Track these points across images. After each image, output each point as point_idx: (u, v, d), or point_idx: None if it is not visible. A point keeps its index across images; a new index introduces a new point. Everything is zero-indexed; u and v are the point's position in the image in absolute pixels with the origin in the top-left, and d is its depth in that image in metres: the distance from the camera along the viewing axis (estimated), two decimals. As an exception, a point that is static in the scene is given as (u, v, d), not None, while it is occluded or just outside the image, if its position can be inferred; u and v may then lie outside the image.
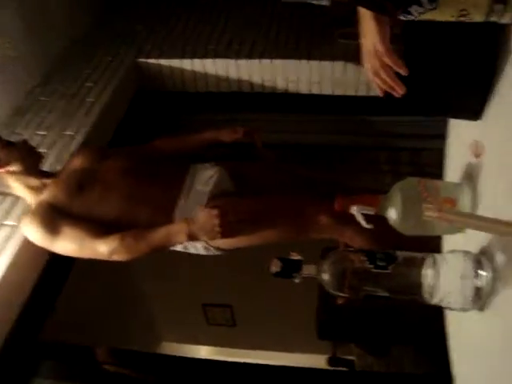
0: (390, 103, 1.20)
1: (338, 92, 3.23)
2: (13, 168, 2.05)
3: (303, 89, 3.27)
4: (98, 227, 1.92)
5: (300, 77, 3.22)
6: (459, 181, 1.20)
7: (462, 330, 1.19)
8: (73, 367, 2.38)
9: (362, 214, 1.16)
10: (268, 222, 1.97)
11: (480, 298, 0.98)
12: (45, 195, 2.01)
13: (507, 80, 1.02)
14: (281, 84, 3.27)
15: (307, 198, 2.05)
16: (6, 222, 2.33)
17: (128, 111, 3.24)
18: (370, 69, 1.07)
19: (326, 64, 3.13)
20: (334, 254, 1.07)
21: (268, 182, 2.15)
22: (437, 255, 1.07)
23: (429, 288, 1.03)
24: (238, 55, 3.25)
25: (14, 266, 2.17)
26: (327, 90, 3.24)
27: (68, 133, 2.83)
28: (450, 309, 1.05)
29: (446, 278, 1.01)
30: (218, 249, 2.03)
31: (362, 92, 3.20)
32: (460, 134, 1.33)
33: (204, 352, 4.93)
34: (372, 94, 3.17)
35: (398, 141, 3.21)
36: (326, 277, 1.06)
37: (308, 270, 1.06)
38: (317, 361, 4.09)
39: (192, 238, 1.87)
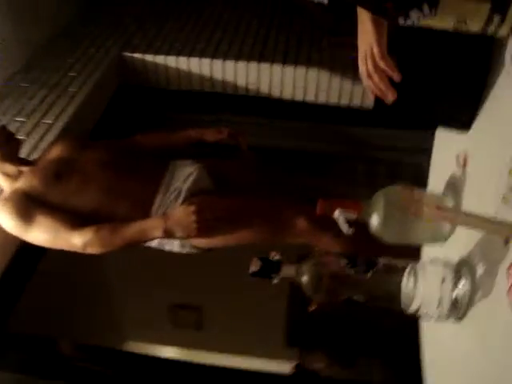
0: (377, 114, 1.19)
1: (322, 99, 3.24)
2: None
3: (287, 94, 3.27)
4: (74, 218, 1.88)
5: (284, 82, 3.22)
6: (443, 192, 1.20)
7: (437, 342, 1.19)
8: (36, 360, 2.33)
9: (344, 219, 1.15)
10: (245, 223, 1.96)
11: (457, 309, 0.99)
12: (21, 183, 1.97)
13: (496, 92, 1.03)
14: (264, 88, 3.27)
15: (285, 201, 2.05)
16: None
17: (110, 104, 3.20)
18: (364, 71, 1.07)
19: (312, 71, 3.14)
20: (314, 256, 1.06)
21: (247, 182, 2.15)
22: (416, 264, 1.07)
23: (407, 296, 1.03)
24: (225, 56, 3.24)
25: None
26: (311, 97, 3.25)
27: (47, 121, 2.79)
28: (427, 319, 1.05)
29: (424, 288, 1.01)
30: (193, 247, 2.01)
31: (344, 101, 3.22)
32: (446, 145, 1.34)
33: (170, 353, 4.87)
34: (355, 103, 3.20)
35: (377, 152, 3.23)
36: (304, 279, 1.05)
37: (287, 271, 1.05)
38: (283, 367, 4.08)
39: (168, 234, 1.85)
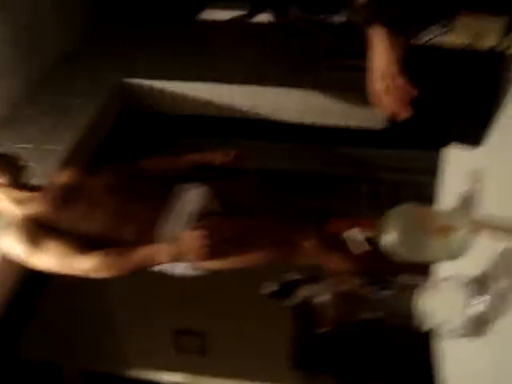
0: (382, 134, 1.21)
1: (323, 121, 3.26)
2: None
3: (289, 117, 3.29)
4: (82, 243, 1.88)
5: (286, 105, 3.24)
6: (455, 208, 1.21)
7: (454, 360, 1.18)
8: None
9: (357, 238, 1.15)
10: (253, 244, 1.95)
11: (473, 326, 0.98)
12: (28, 209, 1.98)
13: (508, 109, 1.03)
14: (266, 111, 3.28)
15: (293, 222, 2.05)
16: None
17: (113, 130, 3.22)
18: (379, 90, 1.07)
19: (313, 93, 3.17)
20: (329, 276, 1.06)
21: (253, 204, 2.15)
22: (431, 281, 1.06)
23: (422, 314, 1.03)
24: (227, 80, 3.26)
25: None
26: (312, 119, 3.26)
27: (51, 147, 2.80)
28: (443, 336, 1.04)
29: (440, 305, 1.01)
30: (201, 269, 2.00)
31: (342, 122, 3.24)
32: (457, 162, 1.34)
33: (174, 379, 4.83)
34: (353, 124, 3.22)
35: (379, 173, 3.24)
36: (320, 299, 1.05)
37: (303, 291, 1.05)
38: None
39: (176, 258, 1.84)
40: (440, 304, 1.00)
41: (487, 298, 0.97)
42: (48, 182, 2.17)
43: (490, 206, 1.07)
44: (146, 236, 1.93)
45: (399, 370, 3.08)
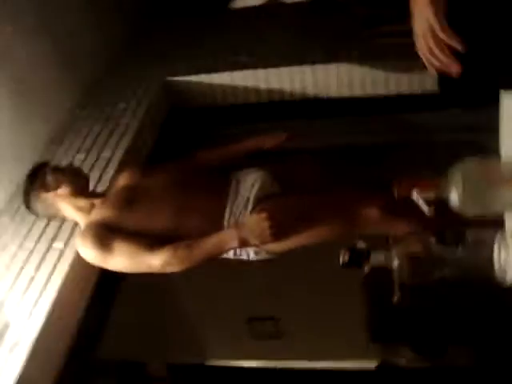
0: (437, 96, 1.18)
1: (369, 92, 3.23)
2: (62, 191, 2.11)
3: (333, 92, 3.27)
4: (150, 241, 1.93)
5: (331, 81, 3.22)
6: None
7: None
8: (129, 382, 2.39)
9: (423, 198, 1.14)
10: (317, 220, 1.95)
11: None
12: (95, 214, 2.05)
13: None
14: (311, 90, 3.28)
15: (356, 193, 2.04)
16: (54, 245, 2.37)
17: (163, 128, 3.28)
18: (425, 49, 1.06)
19: (354, 65, 3.14)
20: (402, 239, 1.06)
21: (312, 182, 2.15)
22: (504, 233, 1.05)
23: (500, 268, 1.01)
24: (266, 64, 3.26)
25: (65, 288, 2.20)
26: (357, 92, 3.23)
27: (106, 154, 2.87)
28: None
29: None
30: (269, 252, 2.03)
31: (393, 90, 3.19)
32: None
33: (251, 365, 4.89)
34: (403, 91, 3.17)
35: (434, 135, 3.19)
36: (395, 264, 1.04)
37: (377, 257, 1.05)
38: (368, 366, 4.03)
39: (243, 243, 1.87)
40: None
41: None
42: (110, 187, 2.24)
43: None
44: (211, 226, 1.96)
45: (479, 331, 3.02)
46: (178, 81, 3.39)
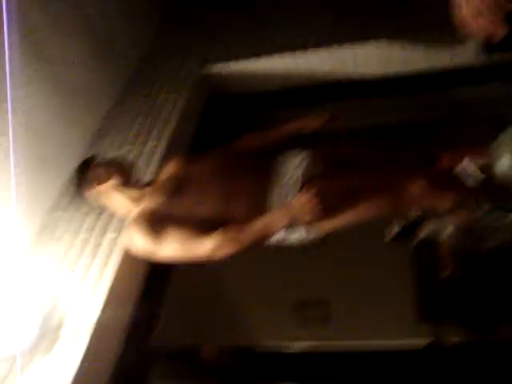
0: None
1: (409, 69, 3.19)
2: (112, 183, 2.17)
3: (373, 71, 3.25)
4: (200, 227, 1.95)
5: (368, 60, 3.20)
6: None
7: None
8: (184, 367, 2.44)
9: (472, 167, 1.14)
10: (365, 197, 1.96)
11: None
12: (145, 204, 2.09)
13: None
14: (350, 69, 3.26)
15: (401, 169, 2.03)
16: (107, 235, 2.44)
17: (204, 118, 3.31)
18: (469, 15, 1.05)
19: (394, 43, 3.11)
20: (453, 209, 1.06)
21: (357, 159, 2.15)
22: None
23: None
24: (305, 47, 3.26)
25: (120, 276, 2.27)
26: (398, 69, 3.20)
27: (149, 146, 2.92)
28: None
29: None
30: (317, 232, 2.03)
31: (434, 65, 3.15)
32: None
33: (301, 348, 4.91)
34: (445, 65, 3.12)
35: (478, 109, 3.14)
36: (446, 233, 1.05)
37: (429, 227, 1.06)
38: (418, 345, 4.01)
39: (293, 222, 1.89)
40: None
41: None
42: (158, 176, 2.29)
43: None
44: (258, 209, 1.98)
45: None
46: (215, 68, 3.41)
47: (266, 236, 1.96)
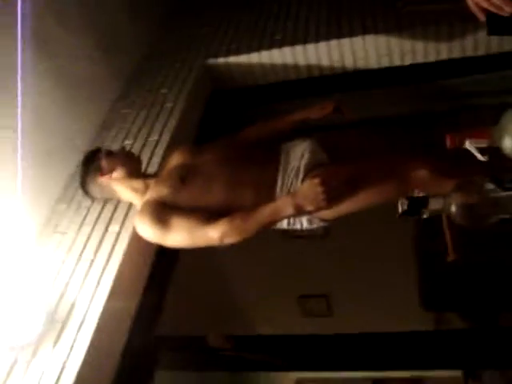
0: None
1: (408, 61, 3.22)
2: (117, 174, 2.19)
3: (373, 64, 3.26)
4: (206, 215, 1.97)
5: (368, 52, 3.22)
6: None
7: None
8: (191, 356, 2.46)
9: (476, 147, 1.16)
10: (369, 184, 1.96)
11: None
12: (150, 193, 2.10)
13: None
14: (349, 63, 3.28)
15: (405, 156, 2.04)
16: (110, 229, 2.45)
17: (207, 111, 3.33)
18: None
19: (393, 35, 3.12)
20: (459, 185, 1.08)
21: (361, 147, 2.17)
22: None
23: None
24: (304, 41, 3.28)
25: (124, 268, 2.28)
26: (397, 61, 3.22)
27: (153, 138, 2.93)
28: None
29: None
30: (321, 220, 2.05)
31: (432, 57, 3.18)
32: None
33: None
34: (444, 57, 3.15)
35: (476, 100, 3.16)
36: (453, 209, 1.07)
37: (435, 204, 1.08)
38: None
39: (298, 210, 1.89)
40: None
41: None
42: (162, 167, 2.30)
43: None
44: (264, 197, 1.99)
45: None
46: (217, 63, 3.43)
47: (271, 223, 1.97)
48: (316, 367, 2.47)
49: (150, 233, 2.00)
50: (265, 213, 1.92)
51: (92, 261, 2.31)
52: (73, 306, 2.14)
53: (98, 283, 2.20)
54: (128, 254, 2.33)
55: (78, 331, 2.04)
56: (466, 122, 2.91)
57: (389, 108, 3.25)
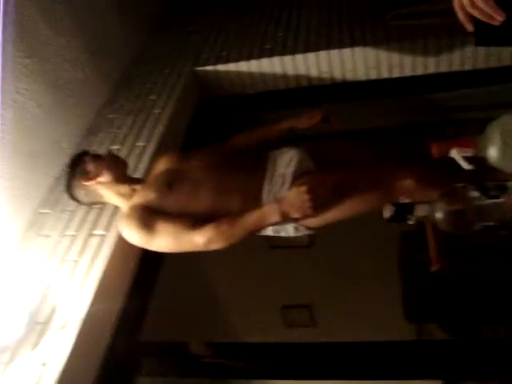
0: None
1: (396, 74, 3.25)
2: (103, 178, 2.16)
3: (361, 75, 3.29)
4: (192, 220, 1.96)
5: (356, 64, 3.25)
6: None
7: None
8: (172, 363, 2.45)
9: (462, 157, 1.17)
10: (355, 192, 1.97)
11: None
12: (137, 198, 2.09)
13: None
14: (338, 74, 3.31)
15: (391, 166, 2.05)
16: (95, 232, 2.44)
17: (194, 119, 3.34)
18: (466, 3, 1.06)
19: (381, 48, 3.16)
20: (445, 192, 1.09)
21: (347, 156, 2.18)
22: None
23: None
24: (294, 51, 3.31)
25: (108, 271, 2.27)
26: (385, 74, 3.26)
27: (140, 144, 2.93)
28: None
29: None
30: (308, 228, 2.06)
31: (419, 71, 3.21)
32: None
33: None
34: (431, 71, 3.19)
35: (463, 114, 3.20)
36: (438, 216, 1.08)
37: (421, 210, 1.09)
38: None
39: (284, 217, 1.89)
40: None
41: None
42: (149, 172, 2.30)
43: None
44: (250, 204, 1.99)
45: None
46: (206, 70, 3.44)
47: (257, 230, 1.97)
48: (298, 375, 2.46)
49: (136, 237, 1.99)
50: (251, 219, 1.92)
51: (76, 263, 2.30)
52: (55, 308, 2.13)
53: (82, 286, 2.19)
54: (112, 258, 2.32)
55: (59, 334, 2.03)
56: (452, 135, 2.95)
57: (377, 119, 3.27)
